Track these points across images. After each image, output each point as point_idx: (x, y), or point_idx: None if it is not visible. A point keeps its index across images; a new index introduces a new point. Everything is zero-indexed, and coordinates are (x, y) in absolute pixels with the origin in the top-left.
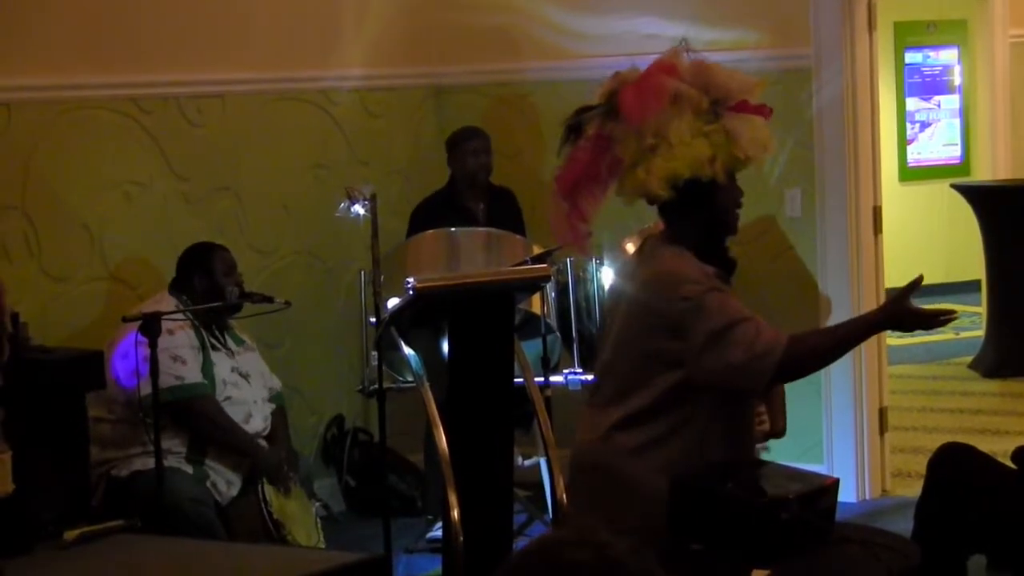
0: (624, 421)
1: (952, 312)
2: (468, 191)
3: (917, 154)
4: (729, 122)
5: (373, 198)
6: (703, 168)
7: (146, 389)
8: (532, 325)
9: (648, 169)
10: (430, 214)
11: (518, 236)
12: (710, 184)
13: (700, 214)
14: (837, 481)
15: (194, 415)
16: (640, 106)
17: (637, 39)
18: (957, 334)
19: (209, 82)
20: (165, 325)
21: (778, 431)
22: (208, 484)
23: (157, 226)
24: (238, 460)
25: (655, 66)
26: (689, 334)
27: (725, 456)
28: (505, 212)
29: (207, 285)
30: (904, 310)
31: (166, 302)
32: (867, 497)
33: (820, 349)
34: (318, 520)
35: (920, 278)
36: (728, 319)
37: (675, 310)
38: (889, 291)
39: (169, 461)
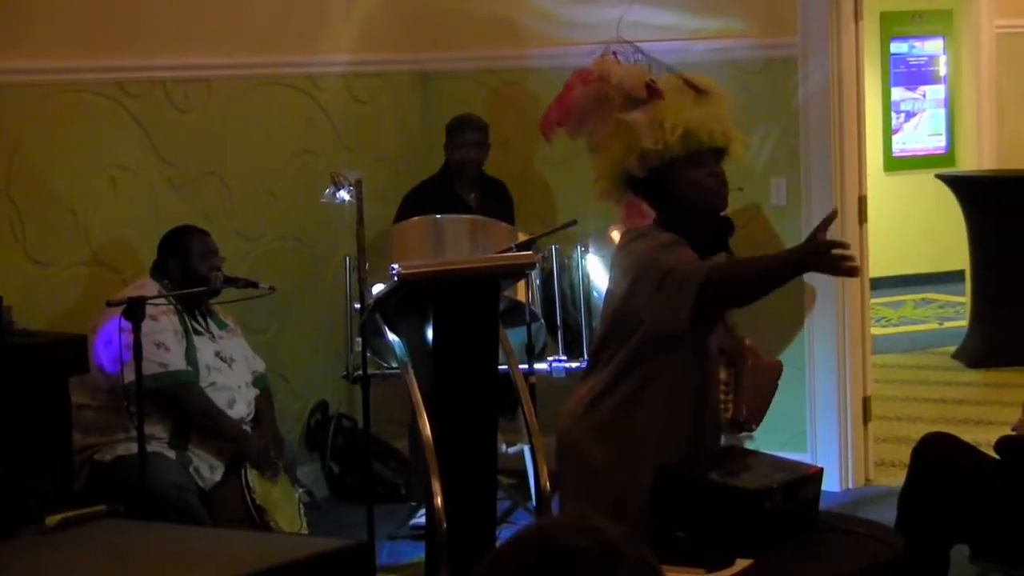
0: (592, 398)
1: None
2: (460, 180)
3: (902, 144)
4: (630, 115)
5: (359, 184)
6: (625, 163)
7: (130, 376)
8: (517, 312)
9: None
10: (422, 201)
11: (503, 223)
12: (654, 174)
13: (662, 201)
14: (821, 470)
15: (179, 402)
16: (546, 125)
17: (624, 26)
18: (941, 324)
19: (195, 67)
20: (148, 311)
21: (740, 420)
22: (191, 470)
23: (143, 211)
24: (221, 446)
25: (573, 76)
26: (639, 290)
27: (687, 422)
28: (497, 203)
29: (182, 269)
30: (818, 242)
31: (148, 287)
32: (850, 486)
33: (743, 276)
34: (301, 506)
35: (834, 212)
36: (667, 265)
37: (630, 277)
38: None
39: (152, 447)
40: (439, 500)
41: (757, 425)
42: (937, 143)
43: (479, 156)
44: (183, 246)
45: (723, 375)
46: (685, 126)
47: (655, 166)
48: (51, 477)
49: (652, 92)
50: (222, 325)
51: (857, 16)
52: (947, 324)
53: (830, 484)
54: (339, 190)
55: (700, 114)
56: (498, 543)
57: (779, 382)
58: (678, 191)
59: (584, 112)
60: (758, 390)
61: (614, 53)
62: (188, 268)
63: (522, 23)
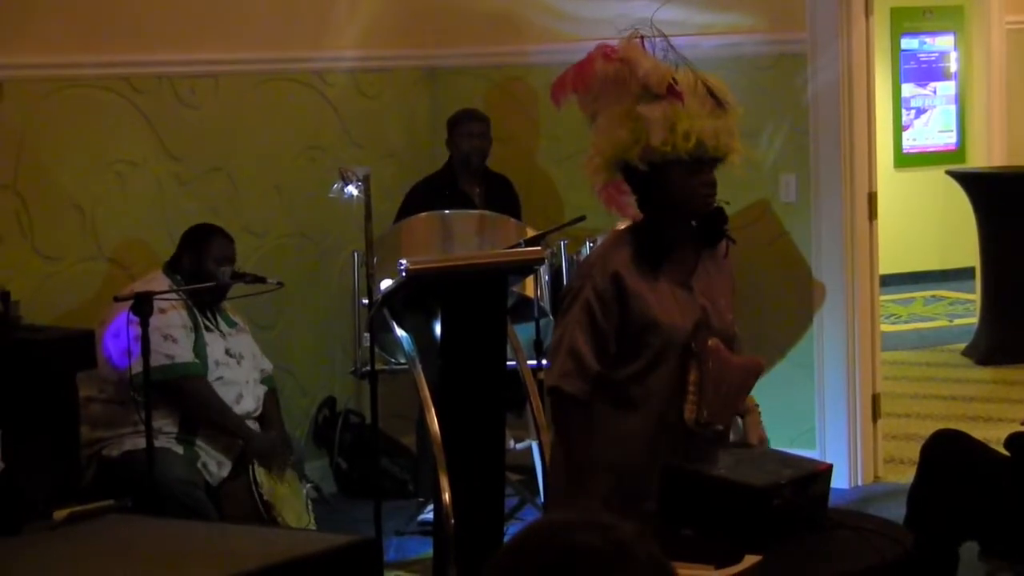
0: None
1: None
2: (464, 174)
3: (912, 140)
4: (646, 108)
5: (367, 179)
6: (627, 152)
7: (137, 368)
8: (525, 308)
9: (590, 152)
10: (426, 196)
11: (512, 219)
12: (654, 169)
13: (650, 195)
14: (830, 467)
15: (184, 395)
16: (559, 89)
17: (632, 22)
18: (951, 321)
19: (203, 62)
20: (157, 304)
21: (701, 421)
22: (199, 465)
23: (150, 206)
24: (229, 442)
25: (596, 49)
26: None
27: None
28: (502, 198)
29: (195, 268)
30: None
31: (158, 281)
32: (860, 483)
33: (561, 439)
34: (309, 502)
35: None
36: (565, 330)
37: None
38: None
39: (160, 441)
40: (447, 496)
41: (723, 426)
42: (947, 139)
43: (483, 146)
44: (203, 245)
45: (693, 376)
46: (698, 135)
47: (655, 162)
48: (58, 472)
49: (672, 92)
50: (231, 323)
51: (867, 11)
52: (957, 321)
53: (839, 481)
54: (347, 185)
55: (713, 125)
56: (506, 539)
57: (759, 380)
58: (668, 191)
59: (598, 88)
60: (720, 391)
61: (642, 39)
62: (201, 267)
63: (526, 19)
